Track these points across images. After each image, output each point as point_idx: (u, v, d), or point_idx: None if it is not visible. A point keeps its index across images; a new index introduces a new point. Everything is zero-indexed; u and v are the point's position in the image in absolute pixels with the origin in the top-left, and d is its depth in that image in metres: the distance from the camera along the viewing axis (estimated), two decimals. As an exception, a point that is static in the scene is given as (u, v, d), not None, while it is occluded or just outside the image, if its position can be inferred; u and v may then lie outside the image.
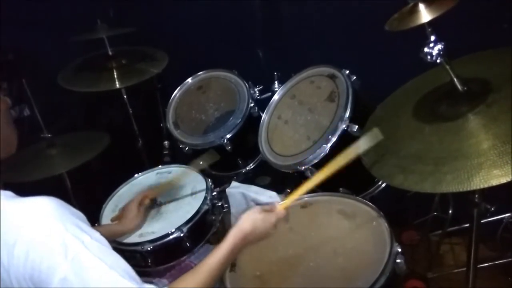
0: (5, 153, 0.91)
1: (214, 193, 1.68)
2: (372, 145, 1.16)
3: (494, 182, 0.93)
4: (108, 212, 1.69)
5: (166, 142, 2.35)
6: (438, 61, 1.16)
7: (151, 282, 0.85)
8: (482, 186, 0.94)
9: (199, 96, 2.09)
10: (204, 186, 1.67)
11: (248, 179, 1.94)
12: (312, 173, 1.50)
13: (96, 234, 0.81)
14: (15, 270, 0.73)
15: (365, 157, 1.26)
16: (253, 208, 1.16)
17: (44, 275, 0.72)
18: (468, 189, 0.96)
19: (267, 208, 1.18)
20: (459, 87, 1.18)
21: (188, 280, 0.97)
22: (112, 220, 1.60)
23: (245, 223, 1.11)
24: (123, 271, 0.78)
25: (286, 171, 1.62)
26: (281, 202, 1.21)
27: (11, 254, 0.73)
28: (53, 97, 2.22)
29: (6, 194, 0.80)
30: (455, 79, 1.18)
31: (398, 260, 1.10)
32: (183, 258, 1.55)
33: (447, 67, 1.18)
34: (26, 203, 0.78)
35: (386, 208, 1.27)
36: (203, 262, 1.03)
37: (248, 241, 1.10)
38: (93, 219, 1.66)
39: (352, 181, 1.62)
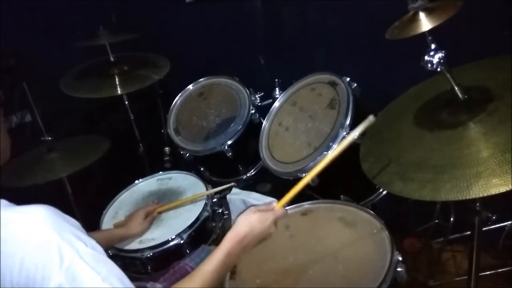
0: None
1: (215, 199, 1.68)
2: (364, 129, 1.11)
3: (493, 191, 0.93)
4: (108, 218, 1.69)
5: (167, 148, 2.36)
6: (438, 69, 1.16)
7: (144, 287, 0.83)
8: (481, 195, 0.94)
9: (200, 102, 2.09)
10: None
11: (249, 186, 1.93)
12: (313, 181, 1.49)
13: (92, 242, 0.79)
14: (10, 280, 0.73)
15: (365, 164, 1.26)
16: (249, 209, 1.11)
17: (38, 284, 0.72)
18: (467, 197, 0.96)
19: (263, 207, 1.13)
20: (460, 95, 1.18)
21: None
22: (116, 226, 1.60)
23: (241, 225, 1.06)
24: (118, 280, 0.77)
25: (286, 178, 1.62)
26: (277, 201, 1.16)
27: (5, 264, 0.72)
28: (55, 103, 2.22)
29: (1, 203, 0.78)
30: (456, 88, 1.18)
31: (399, 269, 1.10)
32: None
33: (448, 75, 1.18)
34: (20, 212, 0.77)
35: (387, 215, 1.27)
36: (198, 268, 0.99)
37: (247, 244, 1.05)
38: (93, 225, 1.66)
39: (353, 188, 1.62)
